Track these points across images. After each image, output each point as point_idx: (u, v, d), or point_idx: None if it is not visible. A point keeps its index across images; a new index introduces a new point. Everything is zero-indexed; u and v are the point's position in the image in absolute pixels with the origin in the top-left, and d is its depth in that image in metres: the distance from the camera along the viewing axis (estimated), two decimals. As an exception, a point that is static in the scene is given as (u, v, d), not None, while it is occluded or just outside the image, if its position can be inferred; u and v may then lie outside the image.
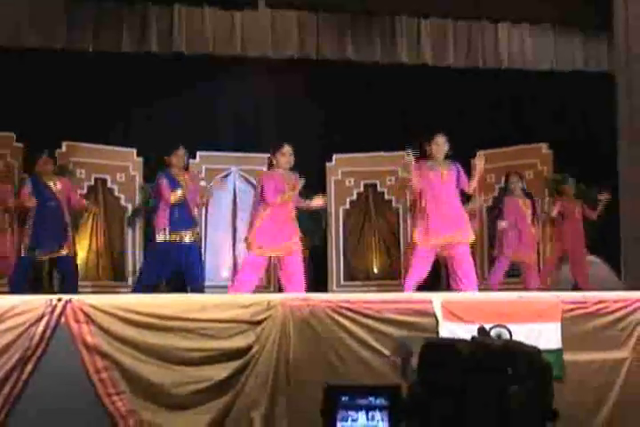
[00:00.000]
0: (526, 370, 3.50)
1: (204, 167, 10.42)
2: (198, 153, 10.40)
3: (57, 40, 8.96)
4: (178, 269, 8.75)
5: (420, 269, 7.93)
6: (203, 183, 8.97)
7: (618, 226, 8.28)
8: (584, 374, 6.05)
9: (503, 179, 10.80)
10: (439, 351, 3.49)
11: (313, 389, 5.41)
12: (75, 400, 5.36)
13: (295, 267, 7.95)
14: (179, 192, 8.53)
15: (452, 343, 3.59)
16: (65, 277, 9.06)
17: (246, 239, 8.03)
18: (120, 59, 9.44)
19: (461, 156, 10.61)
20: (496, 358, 3.45)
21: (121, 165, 10.25)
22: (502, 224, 9.84)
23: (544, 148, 10.68)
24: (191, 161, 10.36)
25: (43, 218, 8.78)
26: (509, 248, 9.78)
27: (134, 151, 10.27)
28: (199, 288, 8.50)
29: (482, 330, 4.14)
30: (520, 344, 3.88)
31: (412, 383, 3.72)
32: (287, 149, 8.12)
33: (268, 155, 10.49)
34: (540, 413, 3.52)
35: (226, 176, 10.63)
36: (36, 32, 8.92)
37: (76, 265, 9.26)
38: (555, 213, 10.15)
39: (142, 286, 8.48)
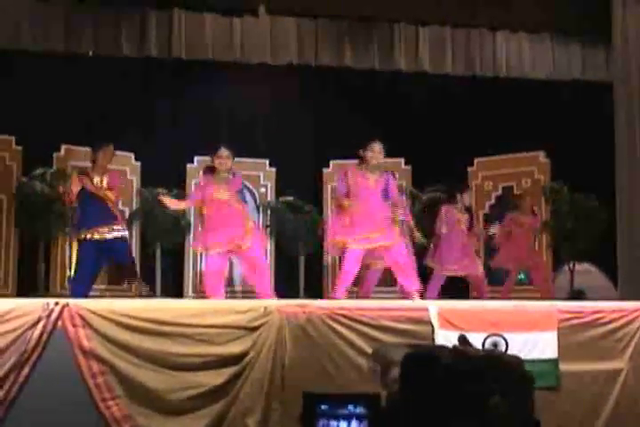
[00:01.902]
0: (508, 380, 3.50)
1: (201, 172, 10.40)
2: (196, 158, 10.39)
3: (57, 44, 8.96)
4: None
5: (350, 272, 7.79)
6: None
7: (614, 235, 8.31)
8: (580, 384, 6.07)
9: (500, 187, 10.82)
10: (421, 361, 3.48)
11: (308, 395, 5.43)
12: (71, 405, 5.37)
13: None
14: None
15: (434, 353, 3.58)
16: None
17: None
18: (119, 63, 9.44)
19: (458, 163, 10.76)
20: (478, 368, 3.45)
21: (119, 169, 10.23)
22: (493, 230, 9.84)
23: (541, 156, 10.67)
24: (189, 166, 10.37)
25: None
26: (447, 263, 9.29)
27: (132, 155, 10.24)
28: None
29: (462, 339, 4.13)
30: (502, 355, 3.89)
31: (392, 392, 3.71)
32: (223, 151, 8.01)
33: (266, 160, 10.60)
34: (523, 424, 3.53)
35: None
36: (35, 36, 8.92)
37: None
38: (494, 230, 9.89)
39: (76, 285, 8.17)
